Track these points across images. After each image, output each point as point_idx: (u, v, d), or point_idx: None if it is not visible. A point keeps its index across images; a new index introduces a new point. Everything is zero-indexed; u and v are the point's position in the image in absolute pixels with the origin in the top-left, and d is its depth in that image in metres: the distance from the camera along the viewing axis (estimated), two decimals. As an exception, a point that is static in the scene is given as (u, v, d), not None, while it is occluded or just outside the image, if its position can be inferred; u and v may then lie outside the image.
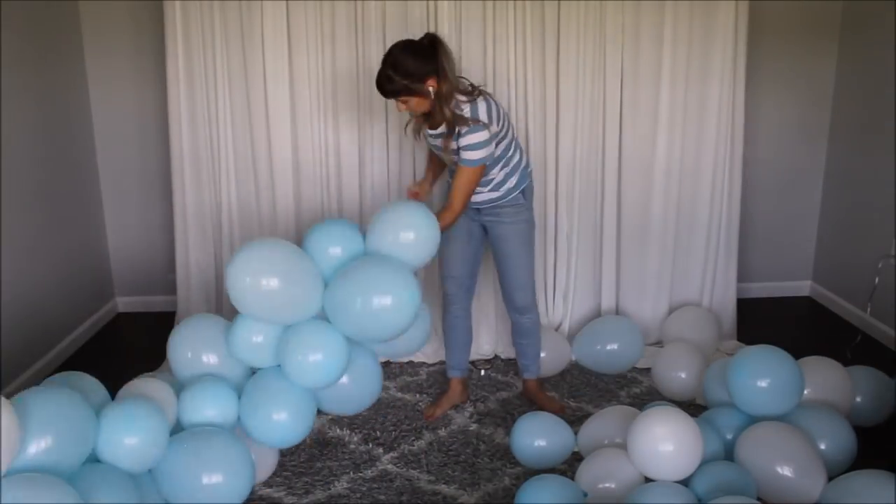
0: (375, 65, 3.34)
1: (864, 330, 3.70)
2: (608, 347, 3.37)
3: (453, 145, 2.66)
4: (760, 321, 3.87)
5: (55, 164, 3.55)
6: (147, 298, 4.10)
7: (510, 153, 2.80)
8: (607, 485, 2.32)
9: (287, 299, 2.44)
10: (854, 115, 3.89)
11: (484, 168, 2.70)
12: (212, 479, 2.26)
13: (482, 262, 3.08)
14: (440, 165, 3.03)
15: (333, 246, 2.57)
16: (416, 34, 3.33)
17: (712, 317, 3.59)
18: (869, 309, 3.63)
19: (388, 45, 3.32)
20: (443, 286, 3.07)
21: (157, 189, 3.95)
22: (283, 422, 2.47)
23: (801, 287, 4.30)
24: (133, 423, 2.16)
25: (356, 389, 2.64)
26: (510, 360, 3.45)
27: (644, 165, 3.51)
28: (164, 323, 3.76)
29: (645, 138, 3.49)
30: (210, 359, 2.56)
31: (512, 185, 2.82)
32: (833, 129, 4.07)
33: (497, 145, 2.71)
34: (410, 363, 3.48)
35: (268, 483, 2.63)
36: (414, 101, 2.61)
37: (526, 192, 2.87)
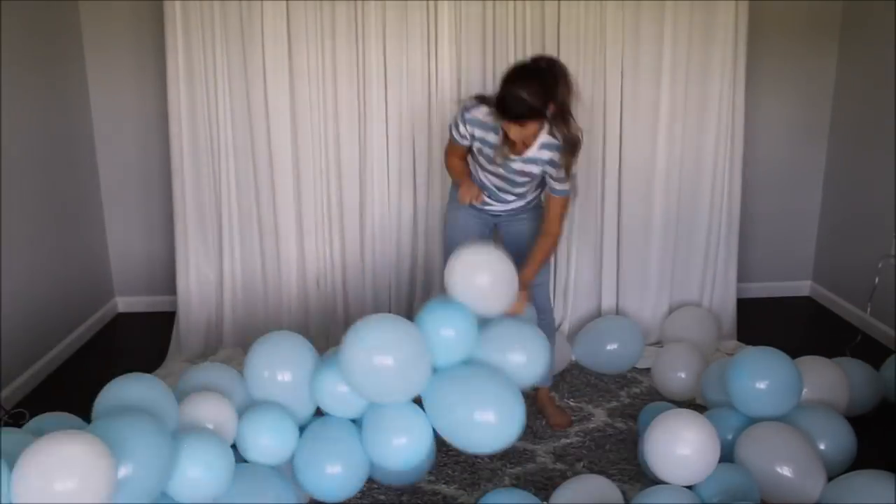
0: (375, 65, 3.38)
1: (864, 330, 3.70)
2: (608, 347, 3.37)
3: (534, 169, 2.60)
4: (760, 321, 3.87)
5: (55, 164, 3.55)
6: (147, 298, 4.10)
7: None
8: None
9: (400, 381, 2.25)
10: (854, 115, 3.89)
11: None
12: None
13: None
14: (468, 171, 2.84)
15: (446, 328, 2.36)
16: (416, 34, 3.36)
17: (712, 317, 3.60)
18: (869, 309, 3.63)
19: (388, 45, 3.37)
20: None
21: (157, 189, 3.95)
22: (336, 475, 2.33)
23: (801, 287, 4.30)
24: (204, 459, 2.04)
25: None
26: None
27: (644, 165, 3.51)
28: (164, 323, 3.77)
29: (645, 138, 3.49)
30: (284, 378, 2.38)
31: (537, 197, 2.84)
32: (833, 129, 4.07)
33: None
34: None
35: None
36: (534, 125, 2.46)
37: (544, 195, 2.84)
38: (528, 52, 3.38)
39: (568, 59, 3.37)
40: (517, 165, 2.62)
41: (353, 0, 3.32)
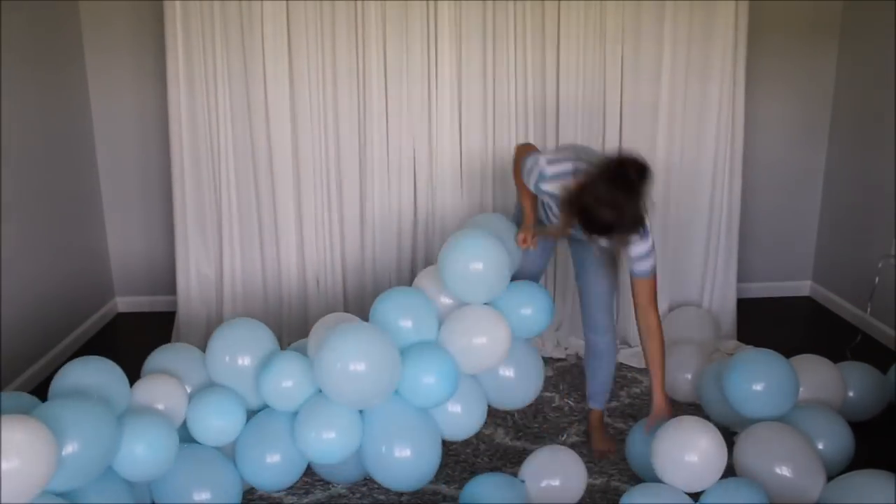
0: (376, 65, 3.38)
1: (864, 330, 3.70)
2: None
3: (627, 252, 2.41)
4: (760, 321, 3.87)
5: (55, 164, 3.55)
6: (147, 298, 4.10)
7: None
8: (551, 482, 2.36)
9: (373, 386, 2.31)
10: (854, 115, 3.89)
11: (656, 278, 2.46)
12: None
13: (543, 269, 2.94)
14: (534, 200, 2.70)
15: (404, 318, 2.49)
16: (417, 35, 3.36)
17: (712, 317, 3.59)
18: (869, 309, 3.63)
19: (388, 45, 3.37)
20: None
21: (157, 189, 3.95)
22: (274, 465, 2.41)
23: (801, 287, 4.30)
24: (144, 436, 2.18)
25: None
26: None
27: (644, 165, 3.51)
28: (164, 323, 3.77)
29: (645, 138, 3.48)
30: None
31: None
32: (833, 129, 4.07)
33: None
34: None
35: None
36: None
37: None
38: (528, 52, 3.38)
39: (568, 59, 3.39)
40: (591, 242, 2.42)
41: (353, 0, 3.32)
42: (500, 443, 2.86)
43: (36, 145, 3.38)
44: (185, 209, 3.52)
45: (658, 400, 2.53)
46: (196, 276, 3.60)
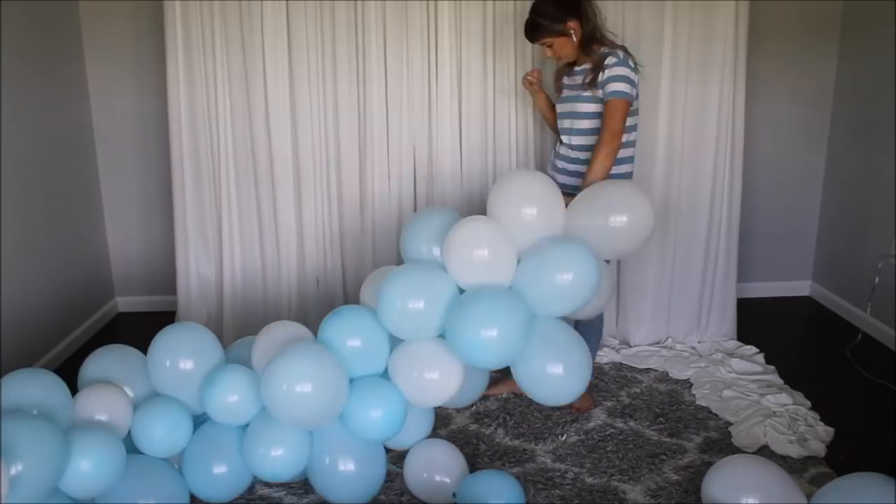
0: (376, 65, 3.38)
1: (865, 330, 3.70)
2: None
3: (600, 78, 2.71)
4: (760, 321, 3.87)
5: (55, 164, 3.55)
6: (147, 298, 4.11)
7: (628, 138, 2.80)
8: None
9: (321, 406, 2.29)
10: (854, 115, 3.89)
11: (629, 107, 2.70)
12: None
13: None
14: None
15: (352, 339, 2.43)
16: (417, 34, 3.36)
17: (712, 317, 3.59)
18: (869, 309, 3.63)
19: (388, 45, 3.37)
20: None
21: (157, 189, 3.95)
22: (220, 476, 2.41)
23: (801, 287, 4.30)
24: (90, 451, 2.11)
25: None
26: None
27: (644, 165, 3.50)
28: (164, 323, 3.74)
29: (645, 138, 3.48)
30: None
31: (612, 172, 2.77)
32: (833, 129, 4.07)
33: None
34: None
35: (267, 483, 2.63)
36: (559, 42, 2.74)
37: None
38: (528, 52, 3.38)
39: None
40: (573, 81, 2.84)
41: (353, 0, 3.32)
42: (501, 443, 2.86)
43: (36, 145, 3.38)
44: (185, 209, 3.52)
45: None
46: (196, 276, 3.60)
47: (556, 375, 2.42)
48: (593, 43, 2.77)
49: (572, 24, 2.72)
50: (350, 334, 2.42)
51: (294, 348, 2.28)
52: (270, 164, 3.47)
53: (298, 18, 3.33)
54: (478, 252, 2.39)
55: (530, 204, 2.47)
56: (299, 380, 2.20)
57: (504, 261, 2.44)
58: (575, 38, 2.74)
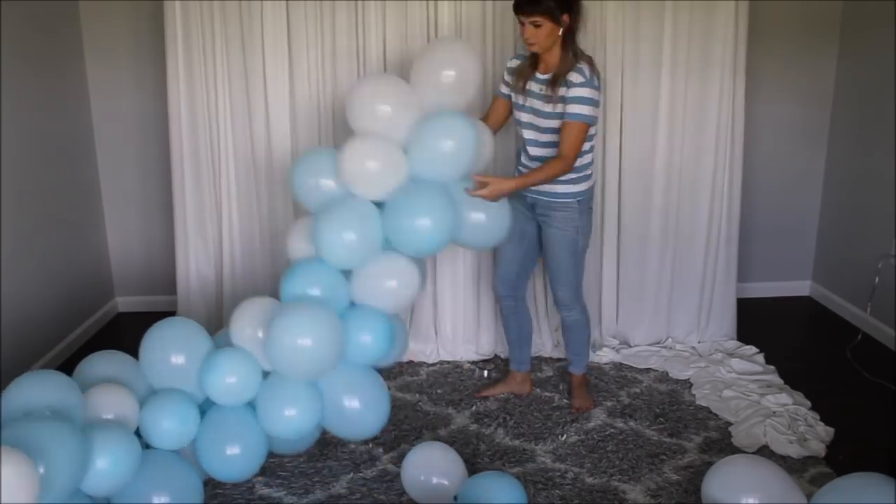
0: (376, 65, 3.38)
1: (865, 330, 3.70)
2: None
3: (560, 92, 2.68)
4: (760, 321, 3.87)
5: (55, 164, 3.55)
6: (147, 298, 4.10)
7: (587, 149, 2.80)
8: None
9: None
10: (854, 115, 3.89)
11: (588, 130, 2.70)
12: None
13: (532, 263, 3.11)
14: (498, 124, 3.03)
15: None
16: (416, 34, 3.36)
17: (712, 317, 3.59)
18: (869, 309, 3.63)
19: (388, 45, 3.37)
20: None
21: (157, 189, 3.95)
22: (235, 456, 2.48)
23: (801, 287, 4.30)
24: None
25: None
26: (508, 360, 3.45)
27: (644, 165, 3.51)
28: (164, 323, 3.76)
29: (645, 138, 3.48)
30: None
31: (569, 190, 2.81)
32: (833, 129, 4.07)
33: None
34: (410, 363, 3.49)
35: (268, 483, 2.63)
36: (547, 28, 2.64)
37: (581, 202, 2.84)
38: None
39: (568, 59, 3.38)
40: (536, 89, 2.77)
41: (353, 0, 3.32)
42: (501, 443, 2.86)
43: (36, 145, 3.38)
44: (185, 209, 3.52)
45: (508, 184, 2.69)
46: (196, 276, 3.59)
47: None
48: (568, 46, 2.71)
49: (566, 18, 2.68)
50: (309, 286, 2.57)
51: (289, 307, 2.46)
52: (270, 164, 3.46)
53: (298, 18, 3.33)
54: (381, 108, 2.64)
55: (451, 68, 2.69)
56: (302, 334, 2.38)
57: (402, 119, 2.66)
58: (560, 33, 2.68)
